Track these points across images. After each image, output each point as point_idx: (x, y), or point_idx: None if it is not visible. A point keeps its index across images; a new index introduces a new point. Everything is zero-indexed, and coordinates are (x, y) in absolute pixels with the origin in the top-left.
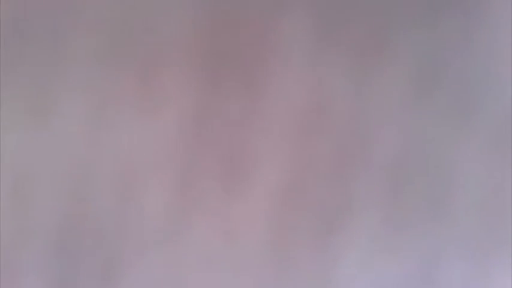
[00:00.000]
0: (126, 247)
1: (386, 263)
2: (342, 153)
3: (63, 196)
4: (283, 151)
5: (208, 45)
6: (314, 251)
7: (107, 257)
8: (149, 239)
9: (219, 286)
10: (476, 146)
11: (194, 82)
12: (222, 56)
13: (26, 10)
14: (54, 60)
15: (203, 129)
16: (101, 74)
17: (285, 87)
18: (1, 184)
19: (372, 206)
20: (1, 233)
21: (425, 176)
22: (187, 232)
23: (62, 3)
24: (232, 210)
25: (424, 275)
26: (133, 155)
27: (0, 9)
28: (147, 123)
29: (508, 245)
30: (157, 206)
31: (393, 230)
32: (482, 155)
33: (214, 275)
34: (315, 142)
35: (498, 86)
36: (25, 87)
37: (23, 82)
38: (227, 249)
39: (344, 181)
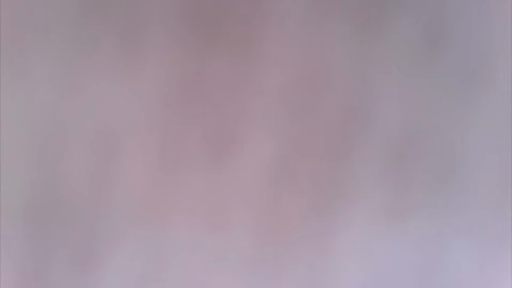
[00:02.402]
0: (103, 220)
1: (387, 245)
2: (340, 126)
3: (37, 163)
4: (277, 120)
5: (197, 5)
6: (307, 230)
7: (83, 231)
8: (129, 212)
9: (205, 263)
10: (485, 120)
11: (181, 43)
12: (212, 18)
13: None
14: (30, 18)
15: (188, 95)
16: (79, 32)
17: (280, 53)
18: None
19: (372, 183)
20: None
21: (430, 153)
22: (170, 206)
23: None
24: (219, 183)
25: (427, 259)
26: (112, 121)
27: None
28: (127, 87)
29: None
30: (138, 176)
31: (395, 211)
32: (491, 129)
33: (199, 250)
34: (312, 112)
35: (506, 56)
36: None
37: None
38: (213, 225)
39: (342, 156)
